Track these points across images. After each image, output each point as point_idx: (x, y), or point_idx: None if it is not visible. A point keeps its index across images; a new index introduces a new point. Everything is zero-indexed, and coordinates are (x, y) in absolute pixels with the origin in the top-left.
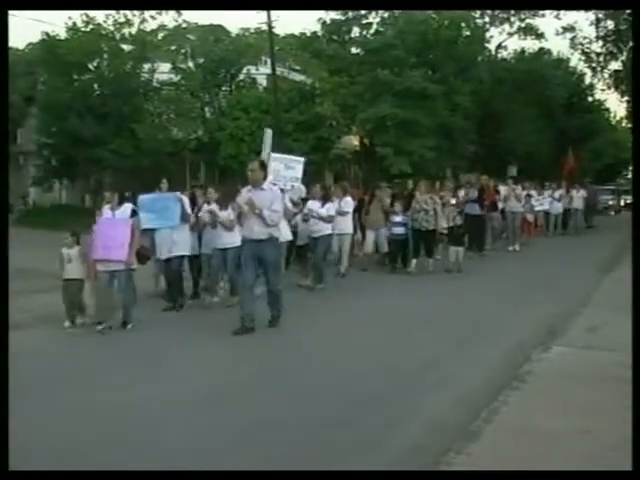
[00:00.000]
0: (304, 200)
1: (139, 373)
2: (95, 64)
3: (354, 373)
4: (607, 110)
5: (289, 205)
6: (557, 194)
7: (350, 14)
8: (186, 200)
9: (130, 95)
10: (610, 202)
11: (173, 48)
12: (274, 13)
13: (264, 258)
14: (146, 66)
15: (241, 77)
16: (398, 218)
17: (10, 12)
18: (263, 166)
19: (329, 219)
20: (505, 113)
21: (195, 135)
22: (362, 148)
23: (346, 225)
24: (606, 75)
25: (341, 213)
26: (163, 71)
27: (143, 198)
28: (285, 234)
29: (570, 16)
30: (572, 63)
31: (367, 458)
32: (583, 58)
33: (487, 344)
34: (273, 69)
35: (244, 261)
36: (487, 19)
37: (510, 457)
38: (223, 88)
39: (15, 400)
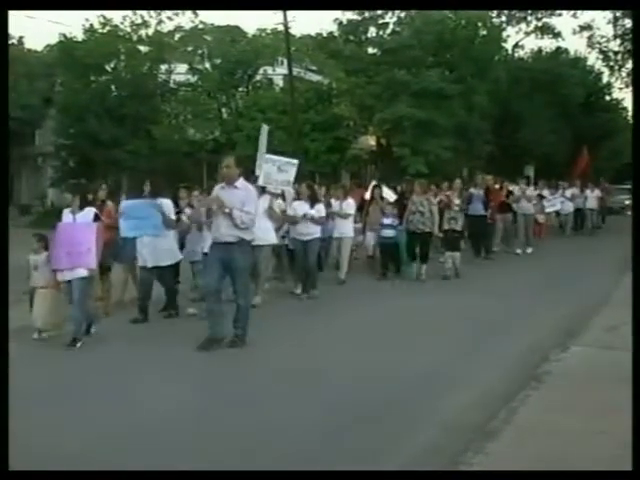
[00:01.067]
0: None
1: (140, 376)
2: (112, 66)
3: (367, 376)
4: (625, 109)
5: (277, 209)
6: (568, 193)
7: (367, 14)
8: (169, 205)
9: (147, 96)
10: (627, 202)
11: (190, 49)
12: (290, 14)
13: (231, 265)
14: (163, 67)
15: (258, 78)
16: (387, 220)
17: (28, 14)
18: (239, 163)
19: (320, 220)
20: (522, 113)
21: (212, 136)
22: (379, 148)
23: (347, 228)
24: (624, 74)
25: (343, 215)
26: (180, 72)
27: (124, 205)
28: (267, 237)
29: (587, 15)
30: (589, 62)
31: (385, 458)
32: (601, 57)
33: (504, 345)
34: (290, 70)
35: (208, 265)
36: (504, 19)
37: (528, 457)
38: (240, 89)
39: (16, 401)
